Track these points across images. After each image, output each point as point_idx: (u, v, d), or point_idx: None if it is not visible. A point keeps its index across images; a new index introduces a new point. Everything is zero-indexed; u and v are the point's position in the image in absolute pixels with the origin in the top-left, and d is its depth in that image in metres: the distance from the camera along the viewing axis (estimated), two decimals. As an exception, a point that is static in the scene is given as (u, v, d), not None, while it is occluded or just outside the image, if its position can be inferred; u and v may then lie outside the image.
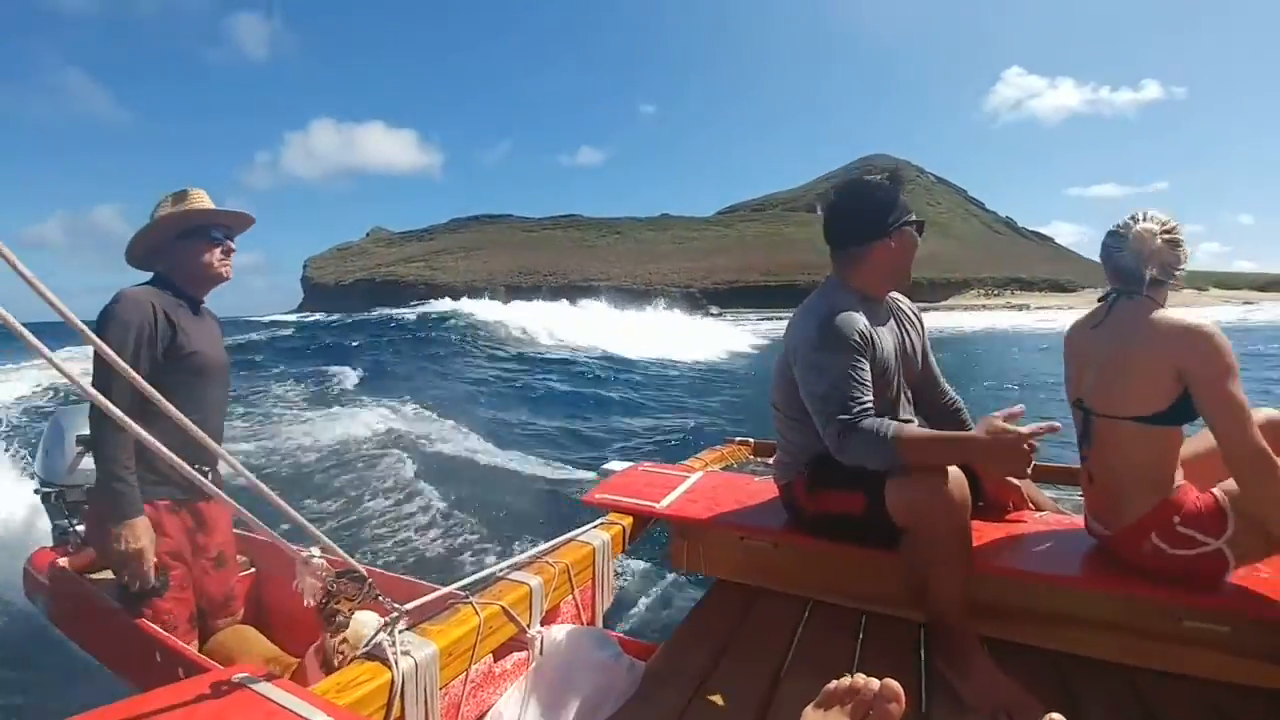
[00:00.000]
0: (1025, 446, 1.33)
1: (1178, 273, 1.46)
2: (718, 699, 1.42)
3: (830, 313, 1.58)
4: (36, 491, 2.30)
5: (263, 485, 1.00)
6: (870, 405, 1.51)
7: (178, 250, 1.75)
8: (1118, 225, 1.50)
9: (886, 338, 1.68)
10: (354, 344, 18.91)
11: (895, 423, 1.46)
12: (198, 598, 1.79)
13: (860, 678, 0.82)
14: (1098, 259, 1.59)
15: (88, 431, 2.16)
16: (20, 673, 2.46)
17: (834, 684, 0.83)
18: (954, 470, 1.42)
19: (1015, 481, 1.86)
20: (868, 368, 1.57)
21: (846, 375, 1.51)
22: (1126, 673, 1.52)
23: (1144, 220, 1.45)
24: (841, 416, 1.47)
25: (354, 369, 13.20)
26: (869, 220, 1.66)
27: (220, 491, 0.94)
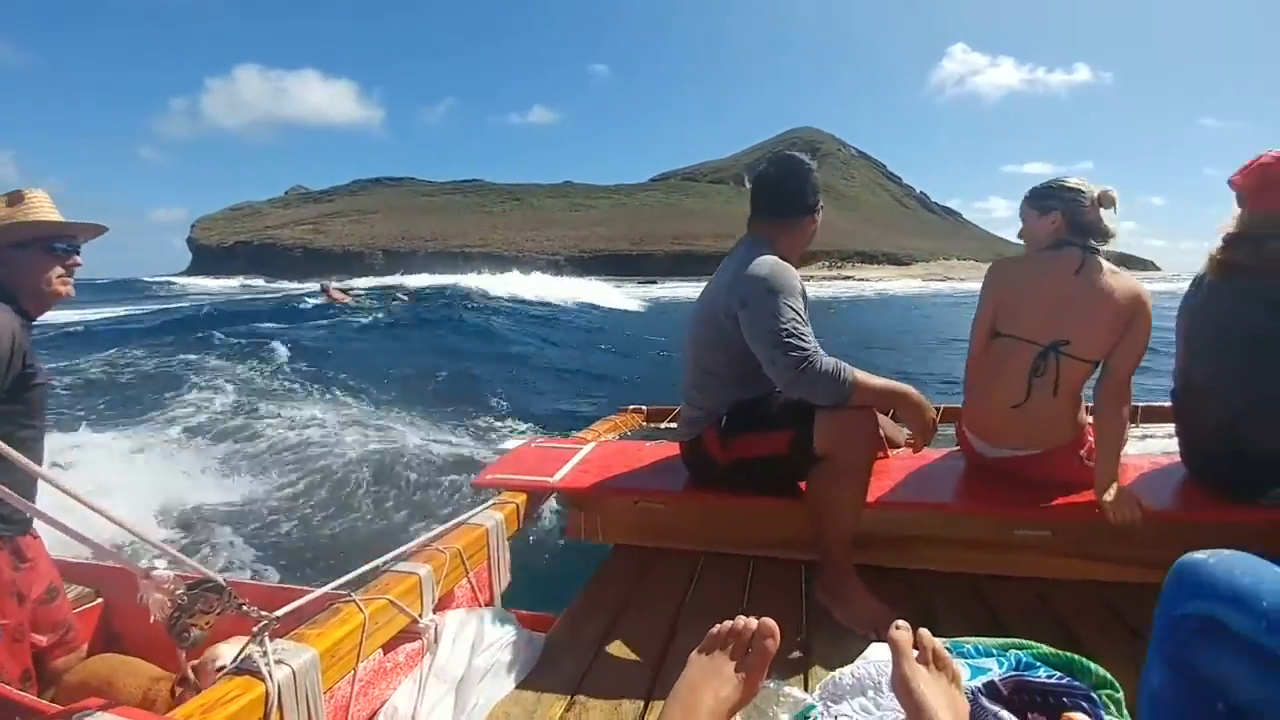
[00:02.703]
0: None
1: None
2: (617, 658, 1.46)
3: (775, 262, 1.67)
4: None
5: (93, 502, 0.88)
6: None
7: (11, 261, 1.49)
8: (1068, 183, 1.69)
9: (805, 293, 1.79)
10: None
11: (849, 365, 1.58)
12: (33, 639, 1.57)
13: (740, 619, 0.88)
14: (1014, 234, 1.77)
15: None
16: None
17: (716, 628, 0.88)
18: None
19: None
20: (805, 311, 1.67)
21: (800, 314, 1.61)
22: (970, 580, 1.75)
23: (1079, 182, 1.68)
24: (802, 350, 1.55)
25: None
26: (806, 195, 1.77)
27: (47, 516, 0.82)
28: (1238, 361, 1.58)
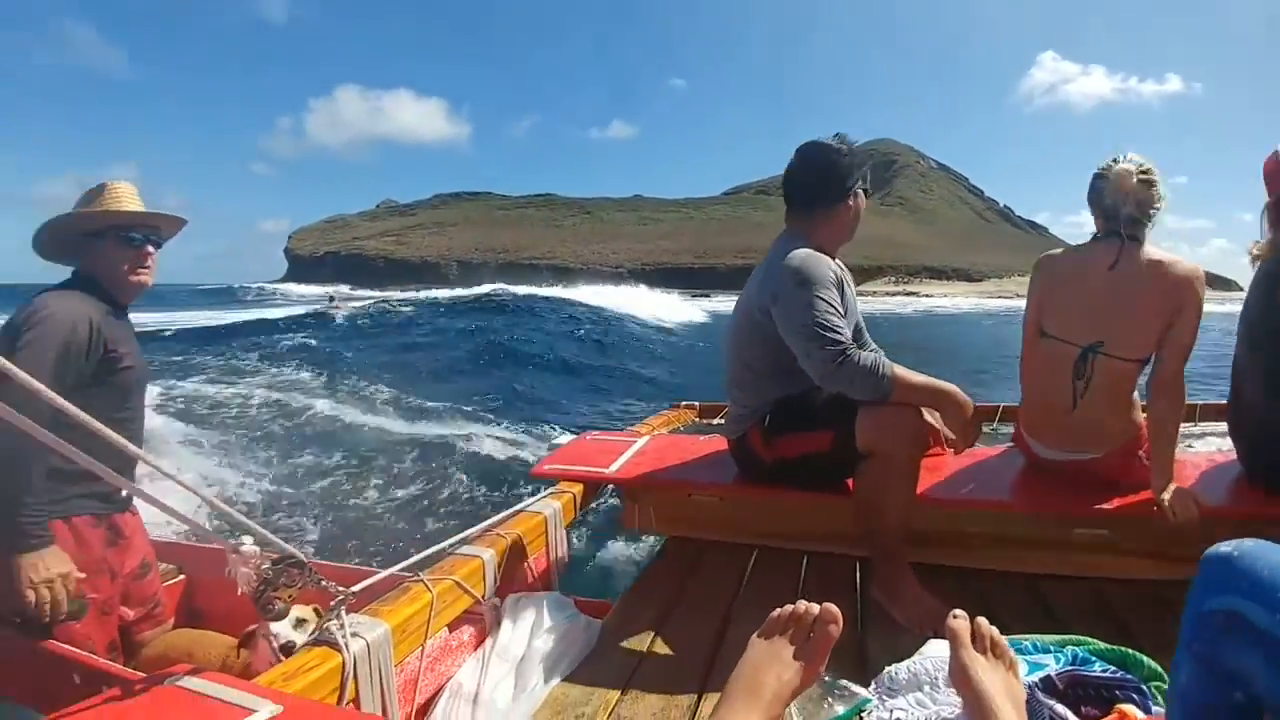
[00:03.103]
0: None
1: (1152, 211, 1.58)
2: (672, 644, 1.49)
3: (807, 254, 1.63)
4: None
5: (186, 483, 0.98)
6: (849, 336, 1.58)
7: (90, 251, 1.56)
8: (1101, 167, 1.62)
9: (844, 284, 1.75)
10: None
11: (888, 360, 1.55)
12: (122, 613, 1.70)
13: (801, 604, 0.87)
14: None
15: None
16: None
17: (777, 612, 0.88)
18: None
19: (933, 422, 1.98)
20: (841, 303, 1.63)
21: (833, 307, 1.57)
22: (1029, 580, 1.70)
23: (1124, 161, 1.58)
24: (838, 344, 1.52)
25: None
26: (835, 182, 1.71)
27: (150, 494, 0.91)
28: (1268, 354, 1.52)
